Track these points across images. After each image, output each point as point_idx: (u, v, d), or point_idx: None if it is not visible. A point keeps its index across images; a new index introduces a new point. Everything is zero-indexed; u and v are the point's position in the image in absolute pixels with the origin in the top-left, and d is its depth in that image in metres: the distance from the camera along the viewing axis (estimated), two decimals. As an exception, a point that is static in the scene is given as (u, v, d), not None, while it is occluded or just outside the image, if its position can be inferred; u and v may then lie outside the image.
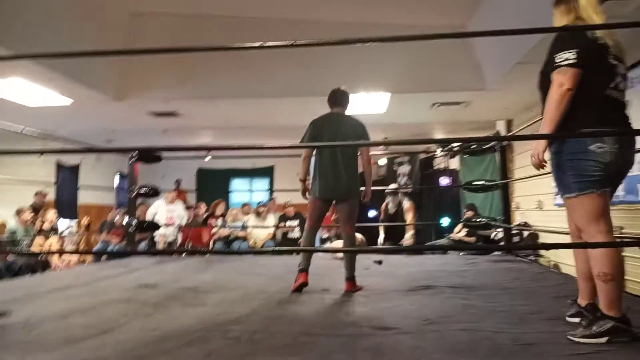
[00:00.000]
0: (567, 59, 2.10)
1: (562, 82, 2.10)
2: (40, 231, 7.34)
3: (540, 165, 2.23)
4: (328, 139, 3.52)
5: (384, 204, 7.00)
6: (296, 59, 6.06)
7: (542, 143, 2.24)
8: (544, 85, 2.25)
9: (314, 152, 3.61)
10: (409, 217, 6.69)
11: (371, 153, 10.93)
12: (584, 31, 2.17)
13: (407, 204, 6.97)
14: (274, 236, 8.25)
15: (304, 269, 3.44)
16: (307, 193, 3.72)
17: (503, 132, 7.94)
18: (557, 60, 2.13)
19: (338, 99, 3.72)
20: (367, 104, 6.76)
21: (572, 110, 2.14)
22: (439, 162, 10.51)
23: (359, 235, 7.46)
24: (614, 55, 2.18)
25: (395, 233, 6.71)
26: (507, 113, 7.59)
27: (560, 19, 2.32)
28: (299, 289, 3.39)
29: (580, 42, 2.13)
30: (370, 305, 2.95)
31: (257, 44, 2.01)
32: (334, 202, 3.62)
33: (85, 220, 8.53)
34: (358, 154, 3.63)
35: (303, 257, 3.49)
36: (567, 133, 2.18)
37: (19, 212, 6.89)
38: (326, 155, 3.51)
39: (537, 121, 5.02)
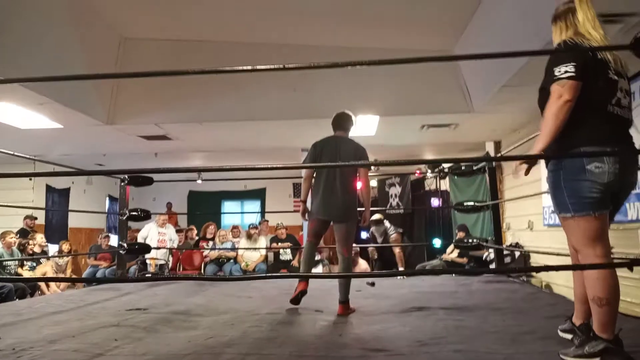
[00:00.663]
0: (566, 72, 2.04)
1: (561, 93, 2.04)
2: (32, 254, 7.26)
3: (523, 170, 2.22)
4: (327, 160, 3.57)
5: (370, 232, 7.03)
6: (285, 82, 6.12)
7: (546, 141, 2.09)
8: (544, 101, 2.20)
9: (314, 174, 3.67)
10: (397, 250, 6.68)
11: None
12: (583, 45, 2.13)
13: (393, 235, 6.95)
14: (266, 258, 8.21)
15: (304, 279, 3.54)
16: (306, 214, 3.77)
17: (492, 154, 8.02)
18: (556, 73, 2.07)
19: (339, 122, 3.79)
20: (356, 127, 6.81)
21: (570, 127, 2.07)
22: (430, 184, 10.58)
23: (363, 263, 7.48)
24: (614, 70, 2.14)
25: (385, 259, 6.71)
26: (495, 135, 7.69)
27: (559, 35, 2.28)
28: (299, 296, 3.49)
29: (578, 55, 2.08)
30: (363, 326, 2.94)
31: (248, 67, 2.04)
32: (331, 222, 3.67)
33: (66, 247, 8.40)
34: (357, 176, 3.66)
35: (304, 267, 3.62)
36: (561, 154, 2.14)
37: (3, 236, 6.81)
38: (324, 178, 3.57)
39: (525, 142, 5.12)
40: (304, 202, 3.75)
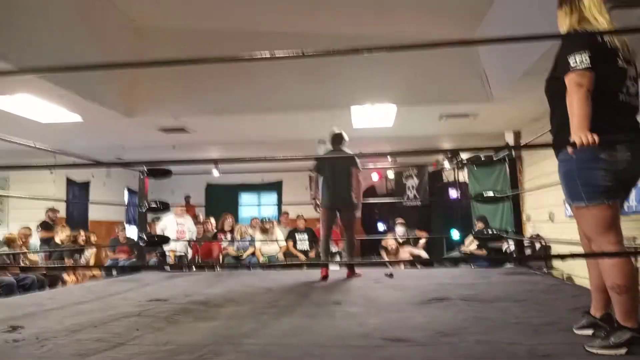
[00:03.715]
0: (581, 61, 2.02)
1: (580, 82, 2.02)
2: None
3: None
4: (329, 167, 4.95)
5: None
6: (303, 72, 6.10)
7: (584, 125, 2.00)
8: (554, 90, 2.19)
9: (321, 177, 5.00)
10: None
11: (380, 166, 11.02)
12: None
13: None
14: (287, 249, 8.22)
15: (326, 266, 4.90)
16: (317, 208, 5.06)
17: (511, 144, 7.91)
18: (571, 63, 2.04)
19: (336, 140, 5.09)
20: (374, 119, 6.76)
21: None
22: (448, 175, 10.48)
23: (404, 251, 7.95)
24: (623, 58, 2.12)
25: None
26: (515, 124, 7.58)
27: (564, 21, 2.26)
28: (326, 277, 4.70)
29: (590, 43, 2.06)
30: (383, 317, 2.92)
31: (266, 55, 2.02)
32: (338, 211, 4.96)
33: (93, 237, 8.56)
34: (352, 176, 4.91)
35: (323, 257, 5.06)
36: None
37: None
38: (328, 178, 4.93)
39: (545, 133, 5.03)
40: (315, 198, 5.09)
